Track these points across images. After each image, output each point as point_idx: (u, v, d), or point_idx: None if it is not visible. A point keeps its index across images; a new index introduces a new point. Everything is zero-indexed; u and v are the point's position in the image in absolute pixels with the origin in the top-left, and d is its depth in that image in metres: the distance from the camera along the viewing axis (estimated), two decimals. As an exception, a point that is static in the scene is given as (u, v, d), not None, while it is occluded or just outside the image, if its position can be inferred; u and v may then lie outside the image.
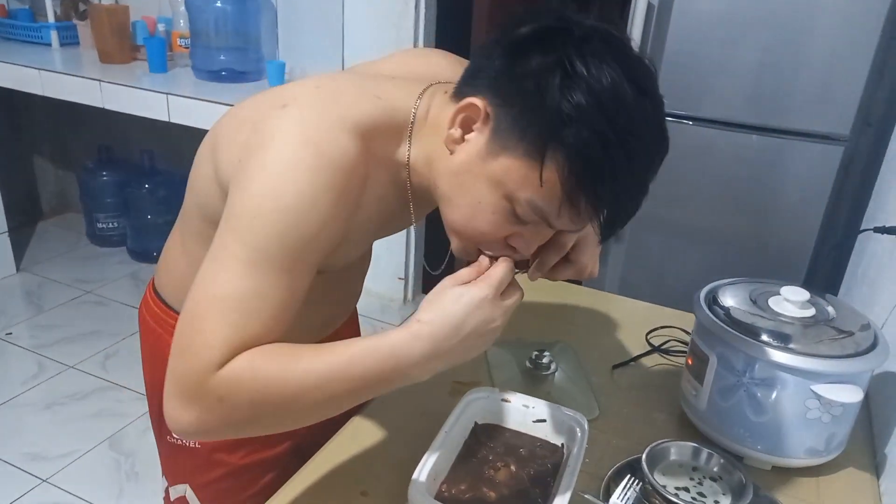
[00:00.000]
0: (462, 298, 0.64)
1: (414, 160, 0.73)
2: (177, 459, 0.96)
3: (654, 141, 0.64)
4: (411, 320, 0.64)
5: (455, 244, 0.74)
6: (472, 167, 0.66)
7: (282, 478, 0.97)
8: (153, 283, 0.94)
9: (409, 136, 0.72)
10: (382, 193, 0.74)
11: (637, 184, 0.65)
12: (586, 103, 0.59)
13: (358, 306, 1.12)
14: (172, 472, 0.97)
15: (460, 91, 0.69)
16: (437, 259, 0.77)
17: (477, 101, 0.65)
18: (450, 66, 0.84)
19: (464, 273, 0.67)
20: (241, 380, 0.61)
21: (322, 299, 0.90)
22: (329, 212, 0.64)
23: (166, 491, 0.99)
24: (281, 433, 0.94)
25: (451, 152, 0.68)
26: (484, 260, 0.69)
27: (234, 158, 0.67)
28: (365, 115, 0.68)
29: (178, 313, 0.88)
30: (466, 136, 0.67)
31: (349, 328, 1.07)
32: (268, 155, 0.63)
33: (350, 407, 0.67)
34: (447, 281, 0.67)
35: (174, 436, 0.92)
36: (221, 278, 0.62)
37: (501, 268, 0.67)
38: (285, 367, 0.62)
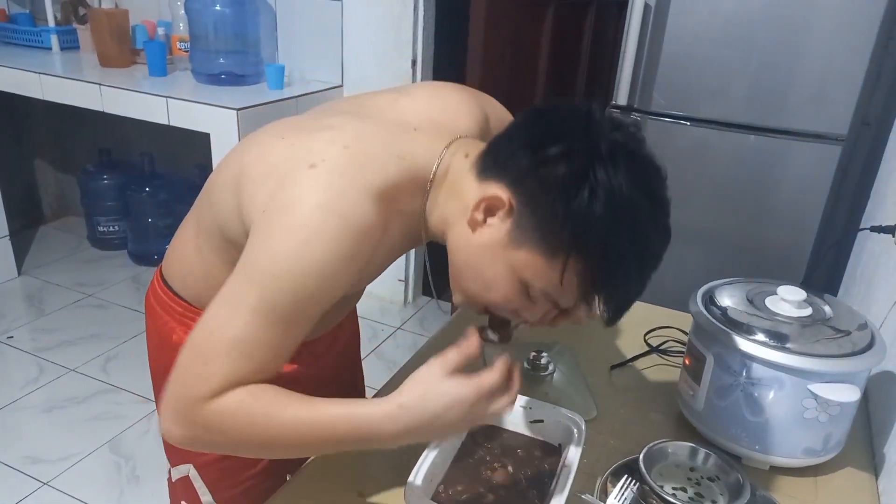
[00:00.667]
0: (446, 397, 0.67)
1: (429, 213, 0.77)
2: None
3: (663, 244, 0.69)
4: (393, 398, 0.68)
5: (458, 299, 0.78)
6: (492, 250, 0.70)
7: (282, 460, 0.99)
8: (161, 270, 0.96)
9: (428, 192, 0.76)
10: (397, 243, 0.78)
11: (643, 283, 0.70)
12: (607, 217, 0.64)
13: (358, 307, 1.13)
14: (175, 453, 1.00)
15: (483, 170, 0.72)
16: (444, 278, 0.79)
17: (501, 193, 0.68)
18: (466, 108, 0.86)
19: (452, 358, 0.69)
20: (228, 415, 0.67)
21: None
22: (345, 277, 0.69)
23: (169, 473, 1.01)
24: None
25: (472, 230, 0.72)
26: (472, 340, 0.71)
27: (259, 207, 0.69)
28: (389, 180, 0.71)
29: (185, 301, 0.91)
30: (488, 220, 0.70)
31: (350, 321, 1.11)
32: (294, 218, 0.66)
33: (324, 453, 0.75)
34: (436, 367, 0.69)
35: None
36: (233, 323, 0.67)
37: (495, 377, 0.69)
38: (271, 414, 0.67)
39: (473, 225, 0.71)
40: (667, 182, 0.70)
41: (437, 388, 0.68)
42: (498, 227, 0.69)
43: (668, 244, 0.70)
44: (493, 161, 0.71)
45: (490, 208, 0.70)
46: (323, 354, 1.01)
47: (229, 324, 0.67)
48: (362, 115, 0.79)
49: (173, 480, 1.00)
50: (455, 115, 0.84)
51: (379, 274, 0.84)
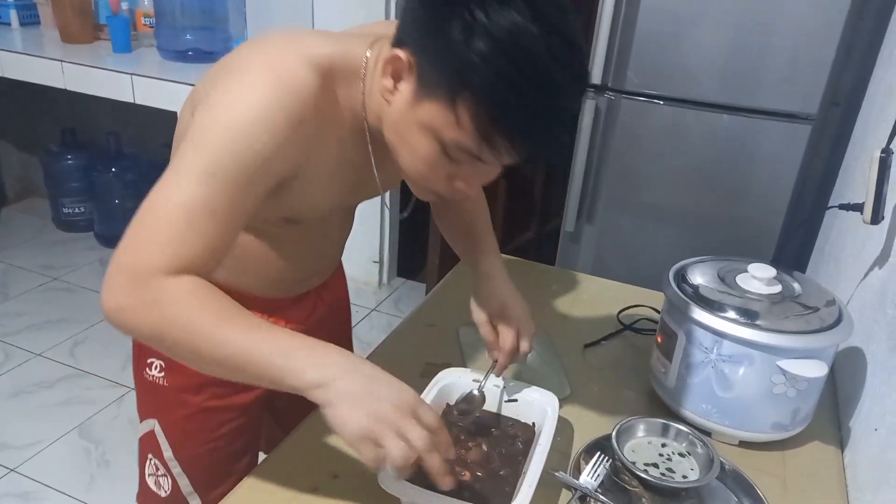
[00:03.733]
0: (392, 380, 0.67)
1: (368, 105, 0.78)
2: (148, 395, 0.98)
3: (565, 75, 0.66)
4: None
5: (413, 189, 0.79)
6: (404, 115, 0.71)
7: (249, 426, 1.00)
8: None
9: (363, 83, 0.77)
10: (342, 136, 0.79)
11: (551, 117, 0.67)
12: (487, 48, 0.63)
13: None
14: (144, 407, 1.00)
15: (394, 41, 0.73)
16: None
17: (400, 52, 0.69)
18: None
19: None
20: (178, 300, 0.65)
21: (298, 254, 0.93)
22: (283, 133, 0.68)
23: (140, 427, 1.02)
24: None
25: (389, 103, 0.73)
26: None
27: (206, 94, 0.72)
28: (323, 53, 0.73)
29: None
30: (398, 87, 0.72)
31: (336, 279, 1.11)
32: (231, 79, 0.70)
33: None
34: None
35: (148, 373, 0.95)
36: (178, 184, 0.66)
37: (435, 417, 0.68)
38: (214, 323, 0.65)
39: (387, 95, 0.73)
40: (573, 19, 0.68)
41: (384, 374, 0.68)
42: (405, 89, 0.71)
43: (577, 78, 0.68)
44: (399, 30, 0.72)
45: (395, 72, 0.71)
46: (307, 318, 1.00)
47: (176, 186, 0.66)
48: None
49: (141, 435, 1.00)
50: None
51: (336, 186, 0.83)
